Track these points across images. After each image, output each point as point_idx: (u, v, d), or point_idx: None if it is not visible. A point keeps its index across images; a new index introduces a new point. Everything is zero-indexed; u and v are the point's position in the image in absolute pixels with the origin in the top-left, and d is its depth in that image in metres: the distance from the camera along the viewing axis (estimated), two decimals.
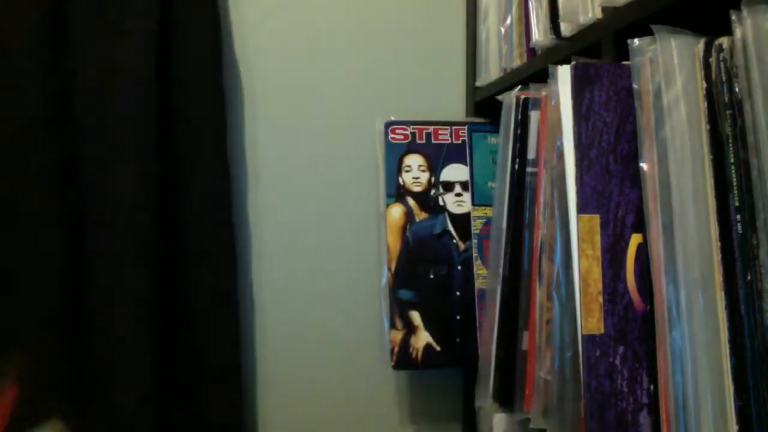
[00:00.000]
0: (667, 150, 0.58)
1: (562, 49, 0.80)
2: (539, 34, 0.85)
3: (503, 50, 0.99)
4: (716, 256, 0.54)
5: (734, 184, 0.52)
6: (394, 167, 1.05)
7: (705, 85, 0.55)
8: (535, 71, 0.87)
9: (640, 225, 0.63)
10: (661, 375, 0.58)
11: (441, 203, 1.05)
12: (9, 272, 0.95)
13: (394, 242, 1.04)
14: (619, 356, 0.62)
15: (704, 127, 0.55)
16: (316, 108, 1.13)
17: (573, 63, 0.66)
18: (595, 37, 0.73)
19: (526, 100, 0.82)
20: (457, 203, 1.05)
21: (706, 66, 0.55)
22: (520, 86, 0.88)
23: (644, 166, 0.60)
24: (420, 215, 1.05)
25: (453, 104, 1.17)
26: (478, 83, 1.11)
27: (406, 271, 1.03)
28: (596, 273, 0.62)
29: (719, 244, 0.53)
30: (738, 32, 0.52)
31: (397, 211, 1.05)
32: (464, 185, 1.05)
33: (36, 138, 0.94)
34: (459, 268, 1.04)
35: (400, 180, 1.05)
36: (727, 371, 0.52)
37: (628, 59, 0.64)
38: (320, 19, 1.13)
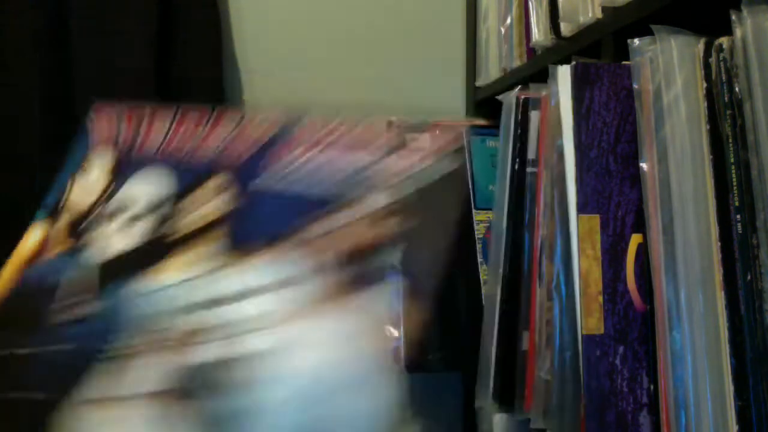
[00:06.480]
0: (667, 150, 0.58)
1: (562, 49, 0.80)
2: (539, 34, 0.85)
3: (503, 50, 0.99)
4: (716, 256, 0.54)
5: (734, 184, 0.52)
6: None
7: (705, 85, 0.55)
8: (535, 71, 0.87)
9: (640, 225, 0.63)
10: (661, 375, 0.58)
11: None
12: None
13: None
14: (619, 356, 0.62)
15: (704, 127, 0.55)
16: (316, 108, 1.13)
17: (573, 63, 0.66)
18: (595, 37, 0.73)
19: (526, 100, 0.82)
20: None
21: (706, 66, 0.55)
22: (520, 86, 0.88)
23: (644, 166, 0.60)
24: None
25: (453, 104, 1.17)
26: (478, 83, 1.11)
27: None
28: (596, 273, 0.62)
29: (719, 244, 0.53)
30: (738, 32, 0.52)
31: None
32: None
33: (36, 139, 0.94)
34: None
35: None
36: (727, 371, 0.52)
37: (628, 59, 0.64)
38: (320, 19, 1.13)
